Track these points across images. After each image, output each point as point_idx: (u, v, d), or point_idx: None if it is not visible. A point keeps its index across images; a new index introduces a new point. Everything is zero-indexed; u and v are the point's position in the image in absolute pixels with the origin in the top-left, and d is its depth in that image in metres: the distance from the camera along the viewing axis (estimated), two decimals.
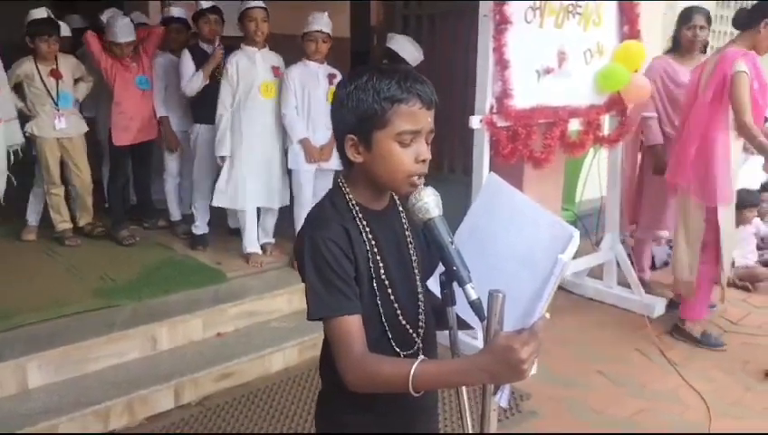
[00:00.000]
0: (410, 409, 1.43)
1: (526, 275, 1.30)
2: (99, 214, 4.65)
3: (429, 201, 1.28)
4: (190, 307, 3.53)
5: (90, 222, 4.53)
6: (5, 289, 3.55)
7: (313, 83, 3.99)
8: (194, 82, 4.19)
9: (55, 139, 4.22)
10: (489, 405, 1.24)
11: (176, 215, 4.78)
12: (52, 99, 4.14)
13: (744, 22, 3.67)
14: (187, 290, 3.72)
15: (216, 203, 4.16)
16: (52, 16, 4.17)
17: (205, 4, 4.28)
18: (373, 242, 1.35)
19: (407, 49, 4.07)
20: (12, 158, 3.72)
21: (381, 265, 1.35)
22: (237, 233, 4.57)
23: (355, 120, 1.30)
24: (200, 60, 4.24)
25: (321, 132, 4.03)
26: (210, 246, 4.39)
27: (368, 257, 1.34)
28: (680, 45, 4.34)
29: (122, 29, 4.28)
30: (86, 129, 4.42)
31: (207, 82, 4.19)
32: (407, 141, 1.29)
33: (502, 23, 3.33)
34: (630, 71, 4.00)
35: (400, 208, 1.45)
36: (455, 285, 1.27)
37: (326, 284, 1.28)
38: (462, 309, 1.30)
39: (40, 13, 4.09)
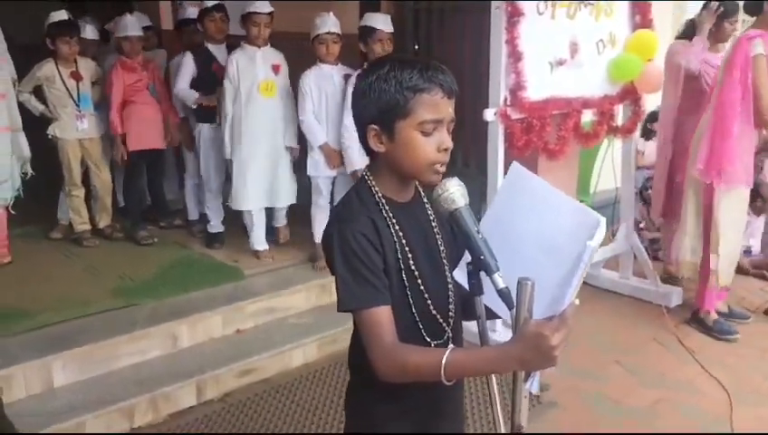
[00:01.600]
0: (438, 398, 1.44)
1: (552, 263, 1.31)
2: (115, 215, 4.70)
3: (455, 191, 1.29)
4: (209, 305, 3.56)
5: (109, 224, 4.57)
6: (26, 290, 3.61)
7: (329, 87, 3.96)
8: (187, 98, 4.25)
9: (77, 140, 4.28)
10: (520, 392, 1.25)
11: (193, 214, 4.81)
12: (74, 100, 4.19)
13: (757, 8, 3.65)
14: (205, 288, 3.75)
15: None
16: (72, 18, 4.22)
17: (210, 3, 4.28)
18: (401, 233, 1.37)
19: (379, 20, 3.93)
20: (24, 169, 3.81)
21: (410, 256, 1.37)
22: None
23: (377, 111, 1.31)
24: (204, 61, 4.25)
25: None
26: (226, 245, 4.42)
27: (396, 249, 1.35)
28: (712, 36, 4.19)
29: (132, 22, 4.37)
30: (105, 130, 4.46)
31: (195, 106, 4.26)
32: (429, 130, 1.31)
33: (514, 15, 3.34)
34: (644, 60, 3.99)
35: (425, 200, 1.46)
36: (482, 274, 1.28)
37: (355, 275, 1.29)
38: (489, 298, 1.31)
39: (60, 15, 4.13)
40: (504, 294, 1.23)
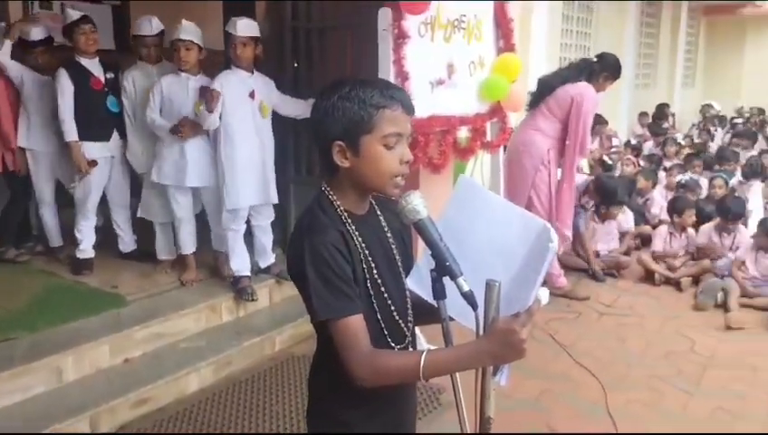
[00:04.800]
0: (401, 396, 1.53)
1: (503, 265, 1.43)
2: None
3: (418, 203, 1.38)
4: (93, 334, 3.36)
5: None
6: None
7: (182, 97, 3.87)
8: (66, 125, 3.93)
9: None
10: (489, 386, 1.36)
11: (55, 241, 4.46)
12: None
13: None
14: (86, 317, 3.52)
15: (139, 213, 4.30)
16: None
17: (74, 15, 4.04)
18: (363, 245, 1.43)
19: (231, 24, 3.85)
20: None
21: (373, 265, 1.44)
22: (128, 256, 4.43)
23: (342, 128, 1.38)
24: (78, 75, 3.99)
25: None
26: (101, 270, 4.17)
27: (361, 259, 1.41)
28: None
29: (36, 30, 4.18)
30: None
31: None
32: (392, 144, 1.40)
33: (400, 37, 3.51)
34: (509, 82, 4.33)
35: (379, 213, 1.53)
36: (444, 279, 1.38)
37: (329, 287, 1.34)
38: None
39: None
40: (468, 297, 1.33)
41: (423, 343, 3.54)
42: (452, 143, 4.06)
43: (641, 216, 6.42)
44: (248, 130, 3.84)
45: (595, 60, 4.84)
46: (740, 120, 12.82)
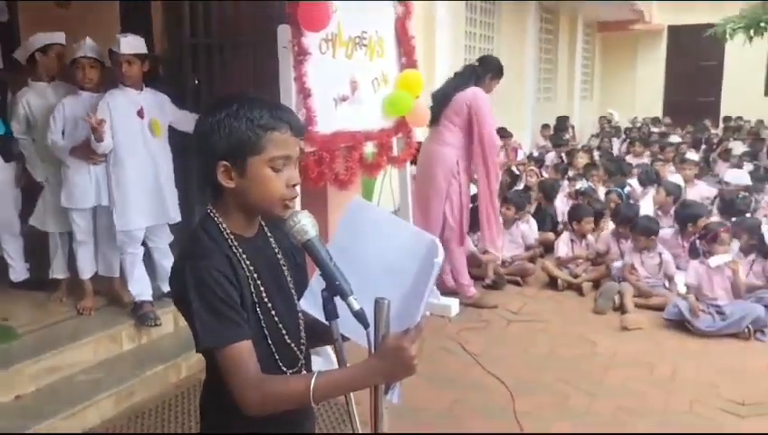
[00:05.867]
0: (295, 422, 1.49)
1: (394, 282, 1.44)
2: None
3: (306, 223, 1.36)
4: None
5: None
6: None
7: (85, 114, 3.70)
8: None
9: None
10: (382, 404, 1.35)
11: None
12: None
13: None
14: None
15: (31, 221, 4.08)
16: None
17: None
18: (252, 268, 1.40)
19: (122, 42, 3.72)
20: None
21: (262, 289, 1.40)
22: (20, 286, 4.15)
23: (227, 147, 1.34)
24: None
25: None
26: None
27: (249, 284, 1.38)
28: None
29: None
30: None
31: None
32: (279, 167, 1.37)
33: (300, 54, 3.48)
34: (413, 97, 4.40)
35: (269, 234, 1.51)
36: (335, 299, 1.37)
37: (215, 313, 1.30)
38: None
39: None
40: (359, 316, 1.32)
41: (333, 359, 3.52)
42: (358, 159, 4.07)
43: (555, 222, 6.69)
44: (137, 149, 3.73)
45: (477, 64, 5.04)
46: (634, 130, 13.61)
